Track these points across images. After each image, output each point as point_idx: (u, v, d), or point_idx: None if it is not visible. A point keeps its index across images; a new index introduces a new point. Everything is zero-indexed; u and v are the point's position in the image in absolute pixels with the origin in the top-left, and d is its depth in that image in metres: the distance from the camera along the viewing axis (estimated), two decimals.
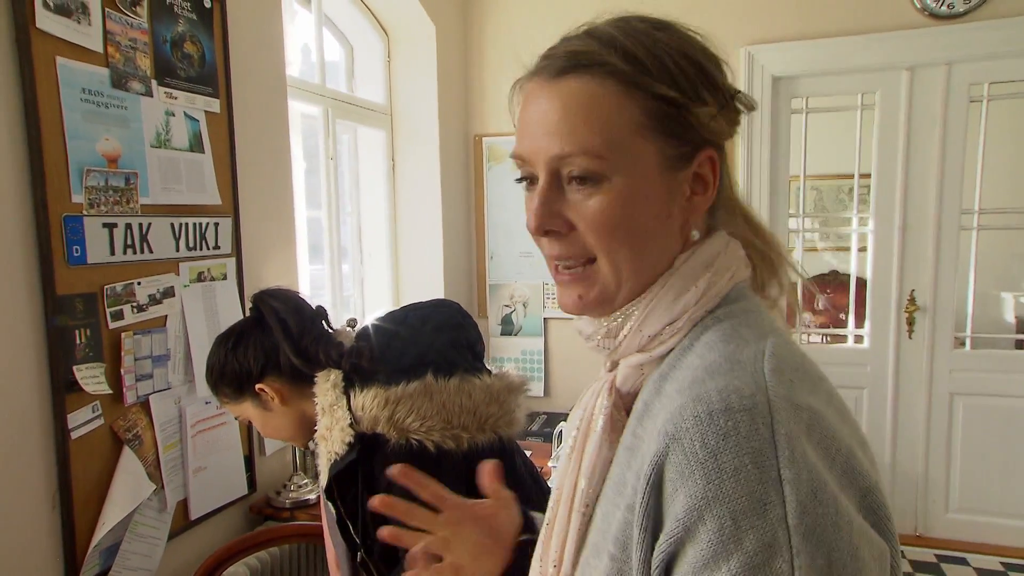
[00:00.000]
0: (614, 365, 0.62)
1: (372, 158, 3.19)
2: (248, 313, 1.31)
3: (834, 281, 4.49)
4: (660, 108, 0.55)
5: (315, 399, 1.19)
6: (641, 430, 0.55)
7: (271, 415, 1.25)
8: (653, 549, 0.48)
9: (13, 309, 1.30)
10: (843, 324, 3.43)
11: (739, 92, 0.59)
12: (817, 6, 2.90)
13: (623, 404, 0.61)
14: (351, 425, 1.13)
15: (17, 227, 1.31)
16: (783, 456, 0.45)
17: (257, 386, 1.22)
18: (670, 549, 0.47)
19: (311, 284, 2.70)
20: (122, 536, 1.49)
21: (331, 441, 1.14)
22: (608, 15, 0.60)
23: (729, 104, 0.58)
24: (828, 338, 3.69)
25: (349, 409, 1.14)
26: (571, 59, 0.56)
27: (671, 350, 0.57)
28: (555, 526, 0.61)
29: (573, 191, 0.56)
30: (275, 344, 1.22)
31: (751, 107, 0.60)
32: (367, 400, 1.13)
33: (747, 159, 2.99)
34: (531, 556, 0.65)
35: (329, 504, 1.20)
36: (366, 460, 1.14)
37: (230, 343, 1.25)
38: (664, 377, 0.55)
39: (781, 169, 3.06)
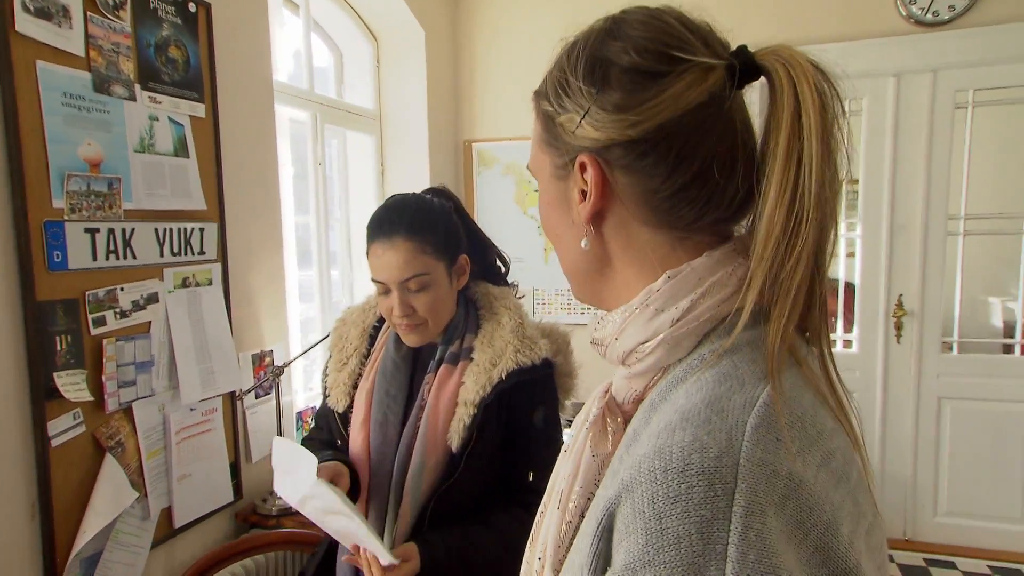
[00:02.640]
0: None
1: (361, 163, 3.18)
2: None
3: (832, 289, 4.51)
4: (546, 122, 0.59)
5: (514, 299, 1.31)
6: (628, 457, 0.53)
7: (449, 290, 1.25)
8: None
9: None
10: (833, 329, 3.44)
11: (603, 92, 0.53)
12: (801, 13, 2.92)
13: (620, 414, 0.60)
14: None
15: None
16: (735, 531, 0.41)
17: (463, 256, 1.27)
18: None
19: (300, 289, 2.69)
20: (104, 545, 1.47)
21: (530, 348, 1.22)
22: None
23: (592, 109, 0.54)
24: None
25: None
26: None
27: (661, 376, 0.55)
28: (545, 519, 0.62)
29: None
30: (479, 237, 1.35)
31: (622, 107, 0.53)
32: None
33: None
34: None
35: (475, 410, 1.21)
36: (538, 383, 1.24)
37: (453, 209, 1.30)
38: (654, 407, 0.53)
39: None
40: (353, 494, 1.23)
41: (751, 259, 0.52)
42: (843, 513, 0.45)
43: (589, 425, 0.59)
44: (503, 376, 1.19)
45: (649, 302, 0.54)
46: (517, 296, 1.34)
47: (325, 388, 1.33)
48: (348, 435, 1.28)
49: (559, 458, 0.65)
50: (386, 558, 1.08)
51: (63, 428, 1.40)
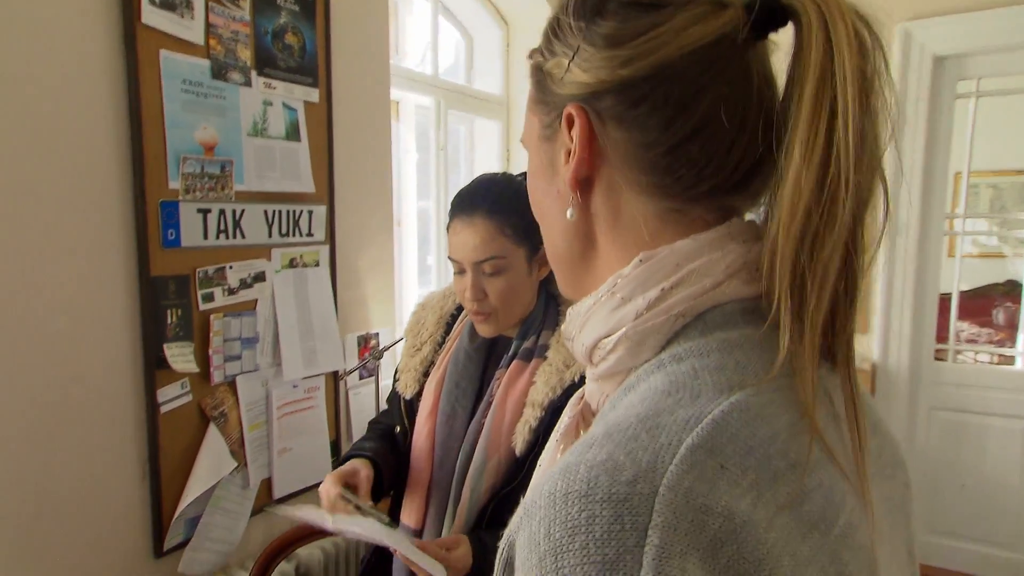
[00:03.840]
0: None
1: (487, 149, 3.17)
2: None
3: (1011, 292, 3.89)
4: (536, 77, 0.52)
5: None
6: None
7: (527, 279, 1.18)
8: None
9: (111, 288, 1.39)
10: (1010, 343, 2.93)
11: (593, 25, 0.45)
12: None
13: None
14: None
15: (117, 211, 1.40)
16: None
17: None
18: None
19: (419, 273, 2.73)
20: (204, 509, 1.56)
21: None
22: None
23: (581, 47, 0.46)
24: (996, 358, 3.19)
25: None
26: None
27: (621, 382, 0.46)
28: None
29: None
30: None
31: (613, 41, 0.44)
32: None
33: (893, 153, 2.62)
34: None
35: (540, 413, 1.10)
36: None
37: None
38: (604, 418, 0.44)
39: (939, 164, 2.65)
40: (380, 486, 1.19)
41: (767, 239, 0.41)
42: (811, 571, 0.35)
43: (560, 436, 0.50)
44: (575, 379, 1.09)
45: (615, 289, 0.45)
46: None
47: (396, 372, 1.31)
48: (413, 424, 1.24)
49: (534, 475, 0.57)
50: (438, 570, 1.03)
51: (171, 396, 1.49)
